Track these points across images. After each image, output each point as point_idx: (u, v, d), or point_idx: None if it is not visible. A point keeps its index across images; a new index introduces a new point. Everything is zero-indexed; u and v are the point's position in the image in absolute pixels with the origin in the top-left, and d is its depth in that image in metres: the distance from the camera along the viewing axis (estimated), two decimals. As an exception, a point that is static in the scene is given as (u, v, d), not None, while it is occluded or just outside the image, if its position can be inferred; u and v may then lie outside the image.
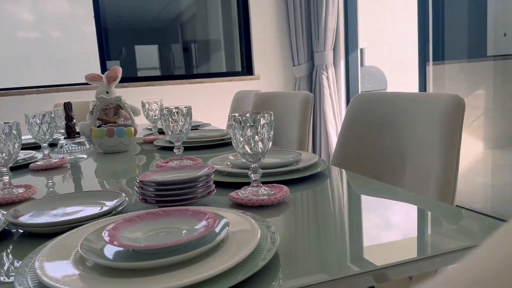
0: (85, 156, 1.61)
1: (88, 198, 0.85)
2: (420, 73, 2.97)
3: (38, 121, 1.30)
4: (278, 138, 1.78)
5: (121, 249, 0.58)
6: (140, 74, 7.63)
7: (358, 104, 1.35)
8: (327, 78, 3.80)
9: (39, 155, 1.47)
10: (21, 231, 0.75)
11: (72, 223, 0.71)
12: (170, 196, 0.81)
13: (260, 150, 0.82)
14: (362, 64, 4.92)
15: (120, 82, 3.57)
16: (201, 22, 7.02)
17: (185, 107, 1.16)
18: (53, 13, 4.90)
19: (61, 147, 1.71)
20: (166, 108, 1.14)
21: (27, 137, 1.96)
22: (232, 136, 0.82)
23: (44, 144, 1.34)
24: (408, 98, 1.21)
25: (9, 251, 0.70)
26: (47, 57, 4.67)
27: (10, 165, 0.96)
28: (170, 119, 1.14)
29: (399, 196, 0.86)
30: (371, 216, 0.76)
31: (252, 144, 0.81)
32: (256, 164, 0.84)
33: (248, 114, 0.82)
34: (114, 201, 0.81)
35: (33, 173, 1.29)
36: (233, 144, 0.84)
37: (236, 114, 0.82)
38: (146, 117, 1.80)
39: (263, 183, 0.89)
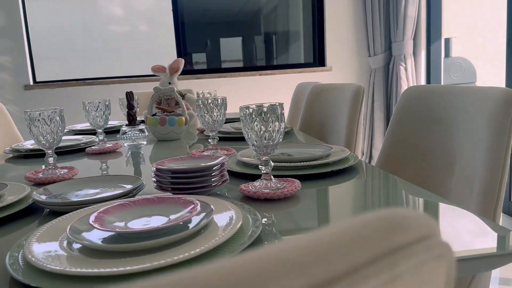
0: (145, 142, 1.71)
1: (112, 181, 0.91)
2: (508, 66, 2.68)
3: (94, 109, 1.41)
4: (329, 131, 1.73)
5: (108, 232, 0.61)
6: (224, 66, 7.86)
7: (408, 98, 1.26)
8: (405, 70, 3.58)
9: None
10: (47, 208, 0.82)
11: (84, 203, 0.76)
12: (183, 183, 0.83)
13: (270, 142, 0.81)
14: (448, 55, 4.56)
15: (196, 74, 3.72)
16: (282, 13, 7.04)
17: (220, 98, 1.18)
18: (141, 7, 5.26)
19: (123, 133, 1.83)
20: (201, 98, 1.16)
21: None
22: (242, 128, 0.82)
23: (99, 130, 1.44)
24: (460, 92, 1.10)
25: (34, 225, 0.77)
26: (134, 49, 5.03)
27: (54, 147, 1.05)
28: (205, 110, 1.16)
29: (422, 200, 0.79)
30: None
31: (261, 137, 0.80)
32: (266, 157, 0.83)
33: (257, 106, 0.81)
34: (131, 185, 0.85)
35: (89, 157, 1.41)
36: (244, 136, 0.83)
37: (250, 106, 0.81)
38: (200, 107, 1.85)
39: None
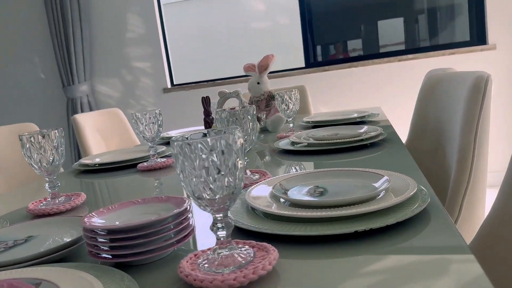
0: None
1: (69, 224, 0.73)
2: None
3: (143, 121, 1.27)
4: (446, 142, 1.24)
5: None
6: (383, 51, 7.21)
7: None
8: None
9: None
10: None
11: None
12: (123, 248, 0.58)
13: (219, 194, 0.50)
14: None
15: (340, 63, 3.38)
16: (445, -15, 6.13)
17: (252, 108, 0.89)
18: (281, 1, 5.11)
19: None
20: (228, 109, 0.89)
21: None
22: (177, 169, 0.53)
23: (149, 143, 1.30)
24: None
25: None
26: (275, 44, 4.93)
27: (54, 174, 0.92)
28: (224, 124, 0.89)
29: None
30: None
31: (200, 183, 0.50)
32: (219, 215, 0.52)
33: (193, 135, 0.51)
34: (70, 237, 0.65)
35: (140, 174, 1.28)
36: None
37: (178, 135, 0.52)
38: (279, 110, 1.56)
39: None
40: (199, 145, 0.49)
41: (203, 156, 0.49)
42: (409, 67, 3.16)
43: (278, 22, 5.19)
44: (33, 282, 0.46)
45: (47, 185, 0.92)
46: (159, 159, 1.31)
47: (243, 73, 3.63)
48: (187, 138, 0.51)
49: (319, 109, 3.32)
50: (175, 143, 0.50)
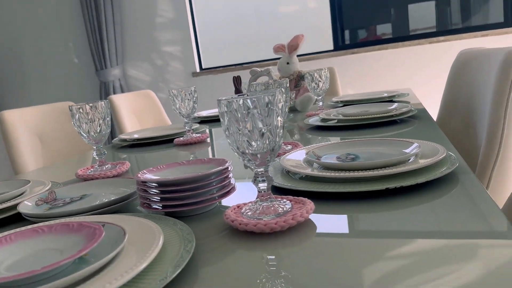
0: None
1: (123, 184, 0.79)
2: None
3: (179, 97, 1.32)
4: (475, 119, 1.25)
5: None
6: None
7: None
8: None
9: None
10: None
11: (56, 216, 0.66)
12: (172, 199, 0.64)
13: (258, 150, 0.55)
14: None
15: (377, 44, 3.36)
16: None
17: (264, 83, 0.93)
18: (309, -16, 5.10)
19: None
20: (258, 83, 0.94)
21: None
22: (223, 128, 0.58)
23: (185, 119, 1.36)
24: None
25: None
26: (303, 28, 4.91)
27: (101, 143, 1.00)
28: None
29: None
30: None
31: (244, 138, 0.55)
32: (261, 169, 0.57)
33: (233, 96, 0.56)
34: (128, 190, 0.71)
35: (177, 148, 1.34)
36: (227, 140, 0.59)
37: (223, 98, 0.56)
38: (309, 89, 1.59)
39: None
40: (243, 103, 0.54)
41: (246, 114, 0.54)
42: (440, 49, 3.12)
43: (306, 5, 5.18)
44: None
45: (94, 153, 0.99)
46: (194, 134, 1.37)
47: (272, 57, 3.65)
48: (232, 98, 0.56)
49: (348, 91, 3.33)
50: (222, 102, 0.55)
